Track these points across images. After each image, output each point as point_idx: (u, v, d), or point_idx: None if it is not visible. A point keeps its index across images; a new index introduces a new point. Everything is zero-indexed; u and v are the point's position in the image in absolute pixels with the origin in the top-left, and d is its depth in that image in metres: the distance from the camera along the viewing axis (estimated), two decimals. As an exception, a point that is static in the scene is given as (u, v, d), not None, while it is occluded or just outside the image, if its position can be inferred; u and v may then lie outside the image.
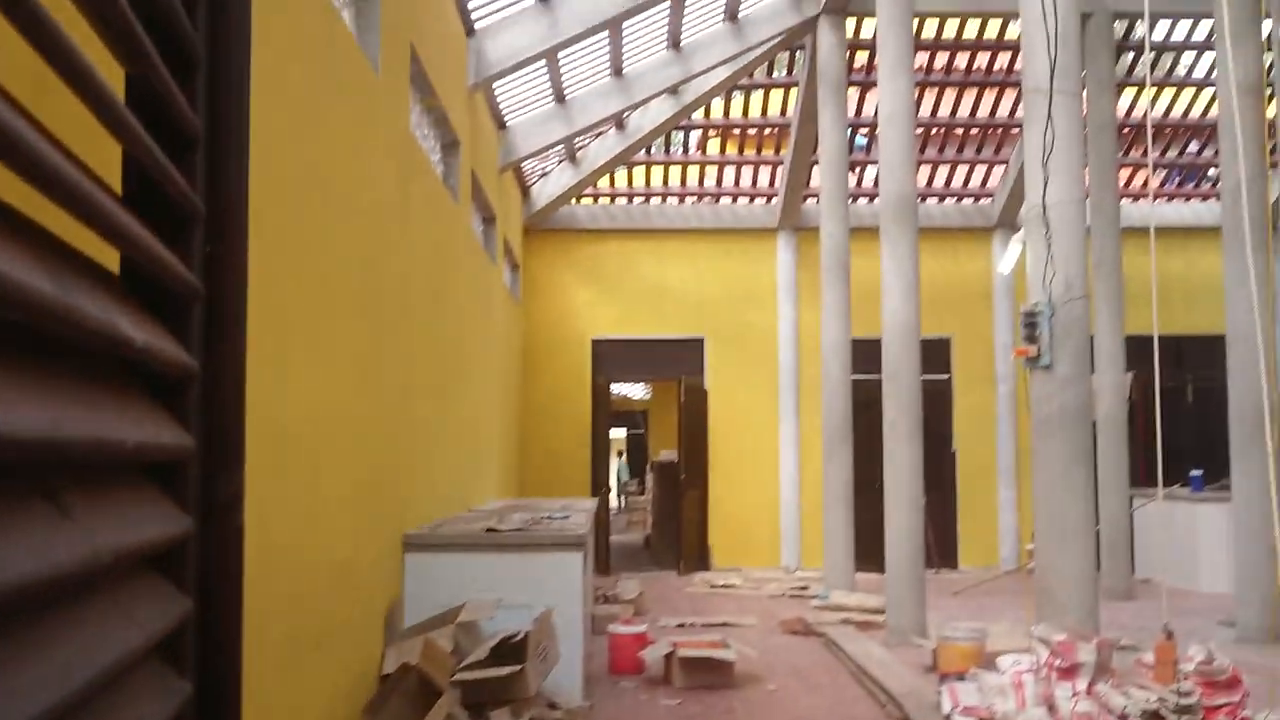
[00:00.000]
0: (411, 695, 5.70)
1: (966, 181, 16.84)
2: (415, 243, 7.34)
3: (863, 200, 16.34)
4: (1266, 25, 9.62)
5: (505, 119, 12.37)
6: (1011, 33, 14.29)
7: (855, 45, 14.30)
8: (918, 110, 12.96)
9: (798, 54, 14.78)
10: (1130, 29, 14.39)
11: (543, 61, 10.88)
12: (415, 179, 7.38)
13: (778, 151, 16.27)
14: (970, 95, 15.67)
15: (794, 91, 15.19)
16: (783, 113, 15.71)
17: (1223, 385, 10.66)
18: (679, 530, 15.99)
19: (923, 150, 15.84)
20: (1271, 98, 9.45)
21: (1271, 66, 9.40)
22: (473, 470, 10.43)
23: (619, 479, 28.38)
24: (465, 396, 9.85)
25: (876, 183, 12.75)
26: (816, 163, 14.24)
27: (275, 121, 4.20)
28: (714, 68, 13.38)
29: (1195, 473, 13.89)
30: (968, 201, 16.99)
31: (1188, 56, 15.36)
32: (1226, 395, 10.55)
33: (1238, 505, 10.41)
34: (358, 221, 5.68)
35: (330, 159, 5.15)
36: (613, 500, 26.46)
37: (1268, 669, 7.36)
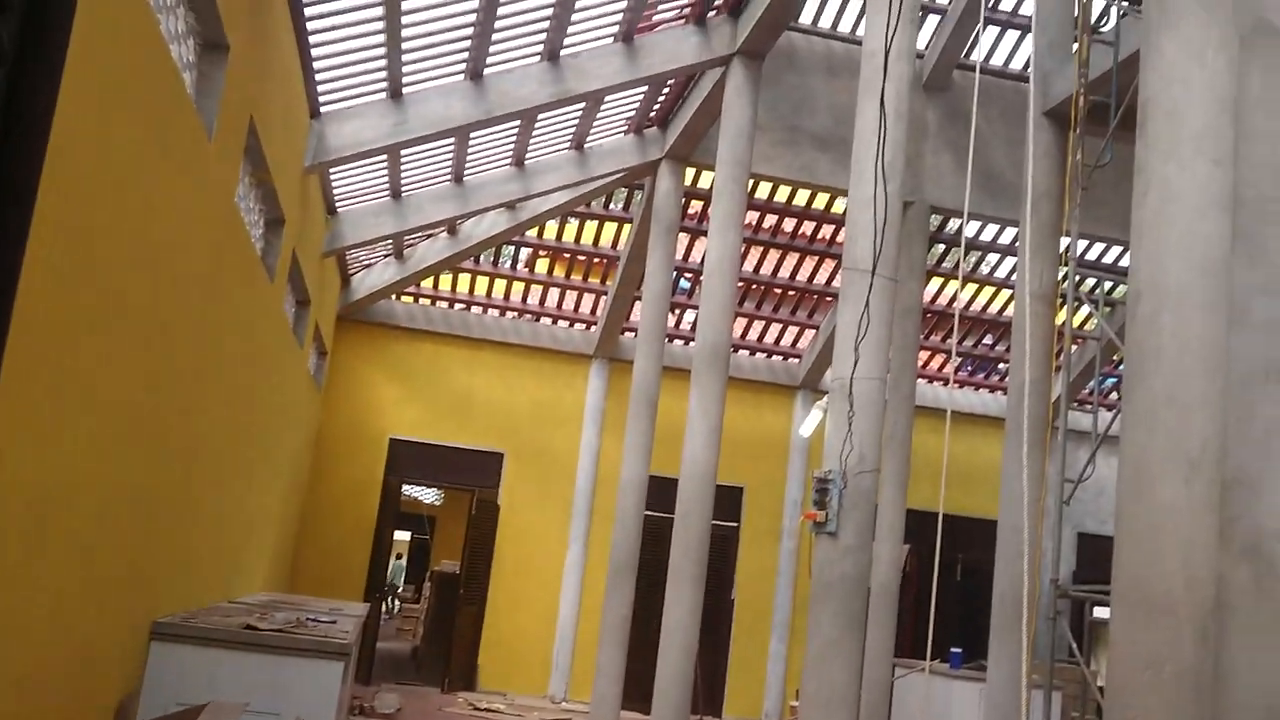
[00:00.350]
0: (131, 799, 5.26)
1: (779, 339, 17.42)
2: (221, 315, 7.06)
3: (678, 341, 16.68)
4: (1065, 241, 10.40)
5: (337, 204, 12.17)
6: (837, 208, 15.02)
7: (691, 193, 14.75)
8: (742, 265, 13.41)
9: (636, 192, 15.14)
10: (944, 224, 15.35)
11: (384, 155, 10.81)
12: (231, 251, 7.14)
13: (603, 281, 16.50)
14: (792, 259, 16.33)
15: (627, 227, 15.51)
16: (614, 245, 15.99)
17: (989, 567, 11.15)
18: (450, 645, 15.53)
19: (741, 303, 16.34)
20: (1062, 306, 10.17)
21: (1065, 278, 10.15)
22: (241, 557, 9.91)
23: (393, 582, 27.50)
24: (248, 478, 9.41)
25: (694, 327, 13.08)
26: (639, 298, 14.49)
27: (88, 173, 4.00)
28: (553, 191, 13.57)
29: (955, 650, 14.38)
30: (777, 358, 17.55)
31: (993, 257, 16.46)
32: (992, 578, 11.02)
33: (991, 687, 10.79)
34: (161, 284, 5.42)
35: (144, 218, 4.92)
36: (392, 601, 25.62)
37: None
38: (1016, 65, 13.41)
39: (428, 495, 24.64)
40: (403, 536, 26.57)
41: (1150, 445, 4.04)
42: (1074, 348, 16.66)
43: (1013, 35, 13.23)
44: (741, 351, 17.19)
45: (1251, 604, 3.94)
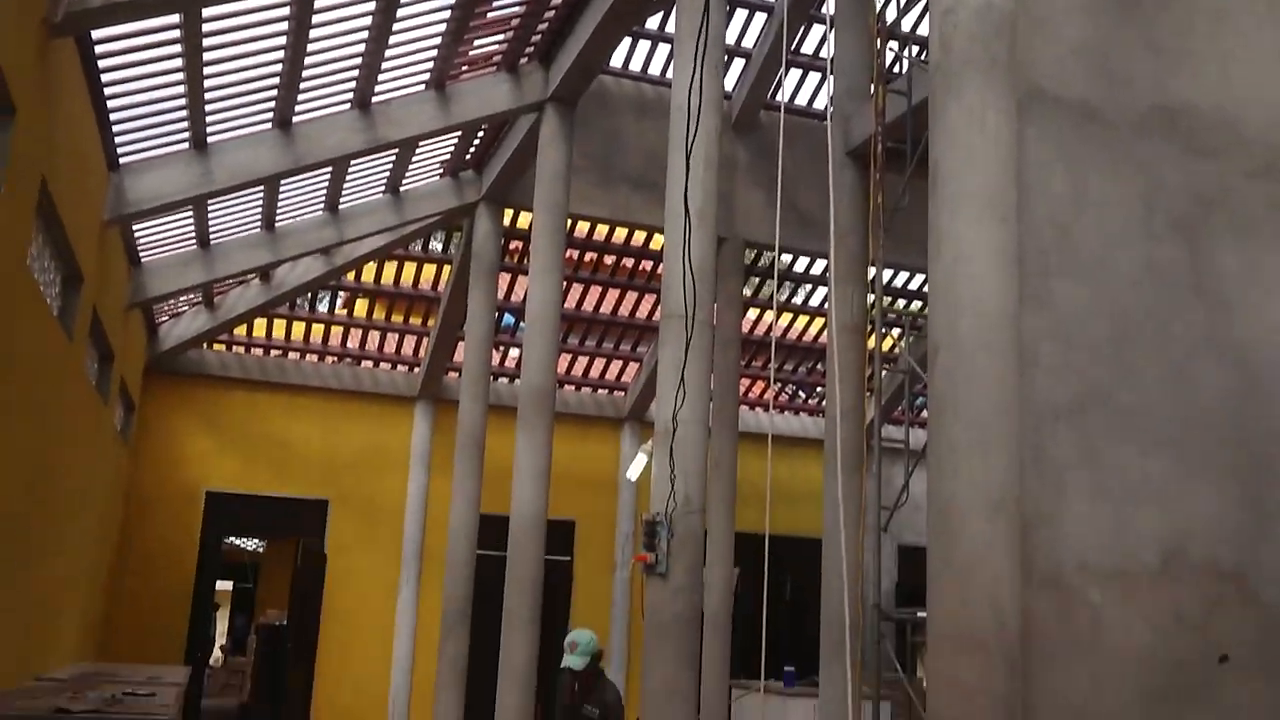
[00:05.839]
0: None
1: (604, 374, 17.55)
2: (13, 379, 6.69)
3: (504, 379, 16.63)
4: (874, 270, 10.85)
5: (141, 255, 11.69)
6: (656, 243, 15.26)
7: (511, 234, 14.75)
8: (564, 302, 13.47)
9: (455, 233, 15.05)
10: (758, 257, 15.79)
11: (189, 206, 10.45)
12: (23, 314, 6.79)
13: (425, 323, 16.32)
14: (613, 294, 16.50)
15: (447, 267, 15.39)
16: (434, 286, 15.85)
17: (816, 583, 11.49)
18: (279, 700, 15.01)
19: (564, 340, 16.39)
20: (872, 333, 10.59)
21: (874, 306, 10.58)
22: (48, 629, 9.37)
23: (214, 632, 26.32)
24: (51, 544, 8.92)
25: (519, 364, 13.08)
26: (462, 339, 14.39)
27: None
28: (369, 236, 13.36)
29: (788, 668, 14.73)
30: (602, 393, 17.68)
31: (806, 287, 17.03)
32: (819, 594, 11.37)
33: (823, 704, 11.11)
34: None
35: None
36: (214, 654, 24.55)
37: None
38: (820, 105, 13.92)
39: (250, 542, 23.78)
40: (224, 585, 25.50)
41: (955, 489, 4.26)
42: (884, 371, 17.33)
43: (815, 77, 13.74)
44: (567, 387, 17.24)
45: (1055, 632, 4.17)
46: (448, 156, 12.87)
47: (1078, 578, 4.14)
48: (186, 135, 9.52)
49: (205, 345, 15.43)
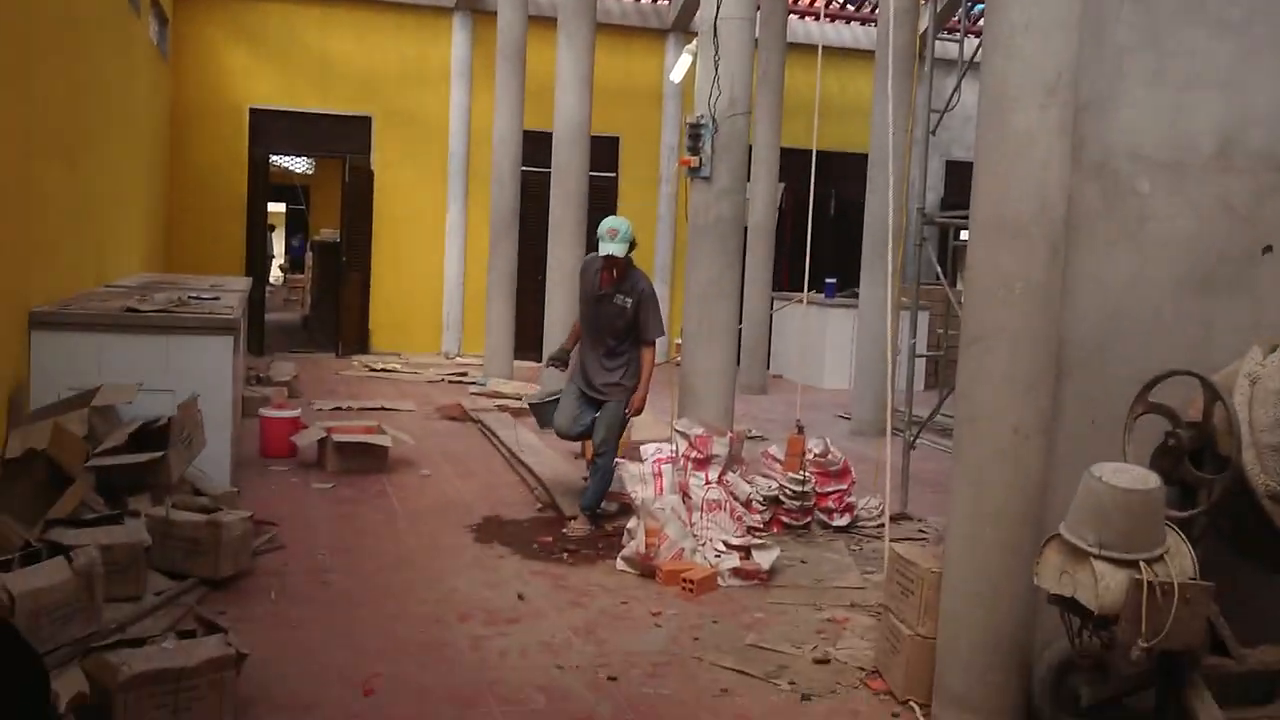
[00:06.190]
0: (39, 482, 5.39)
1: (647, -21, 16.80)
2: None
3: (543, -13, 15.99)
4: None
5: None
6: None
7: None
8: (604, -101, 12.67)
9: None
10: None
11: None
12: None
13: (458, -76, 15.48)
14: (657, -111, 15.47)
15: None
16: (466, -117, 14.89)
17: (861, 200, 11.50)
18: (339, 312, 15.68)
19: (606, -59, 15.54)
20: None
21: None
22: (109, 240, 9.66)
23: (271, 251, 27.07)
24: (102, 160, 9.02)
25: (558, -29, 12.49)
26: (498, -58, 13.67)
27: None
28: None
29: (830, 280, 15.05)
30: (645, 1, 16.98)
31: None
32: (863, 210, 11.41)
33: (863, 313, 11.43)
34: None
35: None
36: (274, 274, 25.46)
37: (873, 459, 8.26)
38: None
39: (298, 165, 23.96)
40: (277, 208, 25.96)
41: (1008, 72, 4.11)
42: (944, -27, 16.37)
43: None
44: (609, -6, 16.57)
45: (1098, 220, 4.15)
46: None
47: (1128, 165, 4.06)
48: None
49: (232, -47, 14.82)
